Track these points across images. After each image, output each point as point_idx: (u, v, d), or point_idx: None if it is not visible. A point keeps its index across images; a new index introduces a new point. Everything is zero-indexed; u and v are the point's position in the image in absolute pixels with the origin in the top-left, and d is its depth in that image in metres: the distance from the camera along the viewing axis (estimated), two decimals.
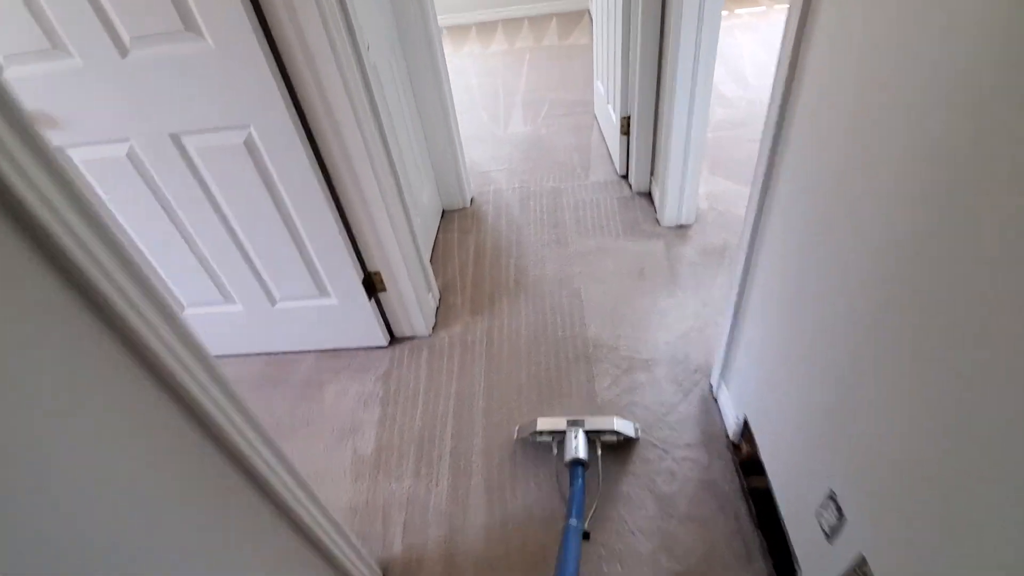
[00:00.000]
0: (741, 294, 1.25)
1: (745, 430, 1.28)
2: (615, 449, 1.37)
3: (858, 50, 0.69)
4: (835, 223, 0.79)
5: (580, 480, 1.24)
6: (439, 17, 5.21)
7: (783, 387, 1.05)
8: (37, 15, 1.09)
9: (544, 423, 1.36)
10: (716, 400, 1.47)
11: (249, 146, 1.28)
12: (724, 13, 4.17)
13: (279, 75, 1.19)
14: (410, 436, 1.49)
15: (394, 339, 1.79)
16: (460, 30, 4.82)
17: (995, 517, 0.51)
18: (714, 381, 1.48)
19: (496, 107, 3.24)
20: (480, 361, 1.66)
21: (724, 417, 1.41)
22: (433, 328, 1.81)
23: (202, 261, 1.54)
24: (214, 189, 1.37)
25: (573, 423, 1.34)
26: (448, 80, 2.06)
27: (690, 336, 1.65)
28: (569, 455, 1.27)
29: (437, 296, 1.89)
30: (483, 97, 3.40)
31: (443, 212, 2.36)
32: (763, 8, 4.18)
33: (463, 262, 2.07)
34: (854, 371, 0.76)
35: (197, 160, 1.31)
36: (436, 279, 2.01)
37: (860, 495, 0.77)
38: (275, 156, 1.29)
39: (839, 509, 0.82)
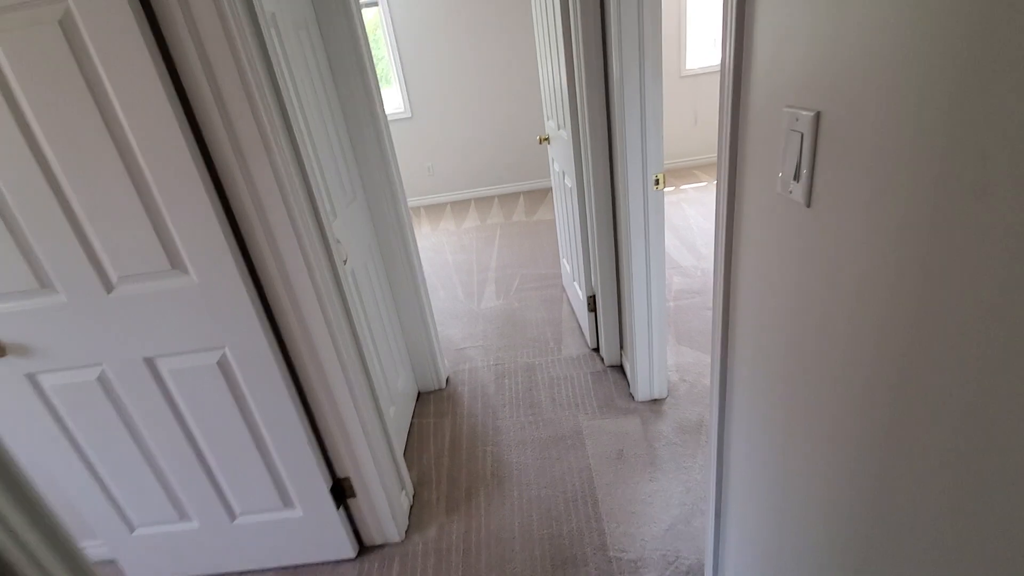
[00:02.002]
0: (719, 486, 1.22)
1: None
2: None
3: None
4: (797, 388, 0.81)
5: None
6: (418, 198, 5.72)
7: None
8: (29, 258, 1.17)
9: None
10: None
11: (223, 366, 1.30)
12: (670, 189, 4.71)
13: (257, 299, 1.26)
14: None
15: (363, 548, 1.65)
16: (436, 208, 5.29)
17: None
18: None
19: (471, 282, 3.43)
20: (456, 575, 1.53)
21: None
22: (407, 531, 1.69)
23: (161, 479, 1.46)
24: (183, 408, 1.36)
25: None
26: (423, 274, 2.20)
27: (677, 529, 1.56)
28: None
29: (411, 493, 1.80)
30: (459, 273, 3.61)
31: (418, 394, 2.35)
32: (705, 183, 4.74)
33: (439, 451, 2.01)
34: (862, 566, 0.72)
35: (169, 381, 1.32)
36: (411, 471, 1.93)
37: None
38: (248, 374, 1.31)
39: None
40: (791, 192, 0.69)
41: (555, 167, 2.69)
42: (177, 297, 1.21)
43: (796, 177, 0.67)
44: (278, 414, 1.37)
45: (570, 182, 2.28)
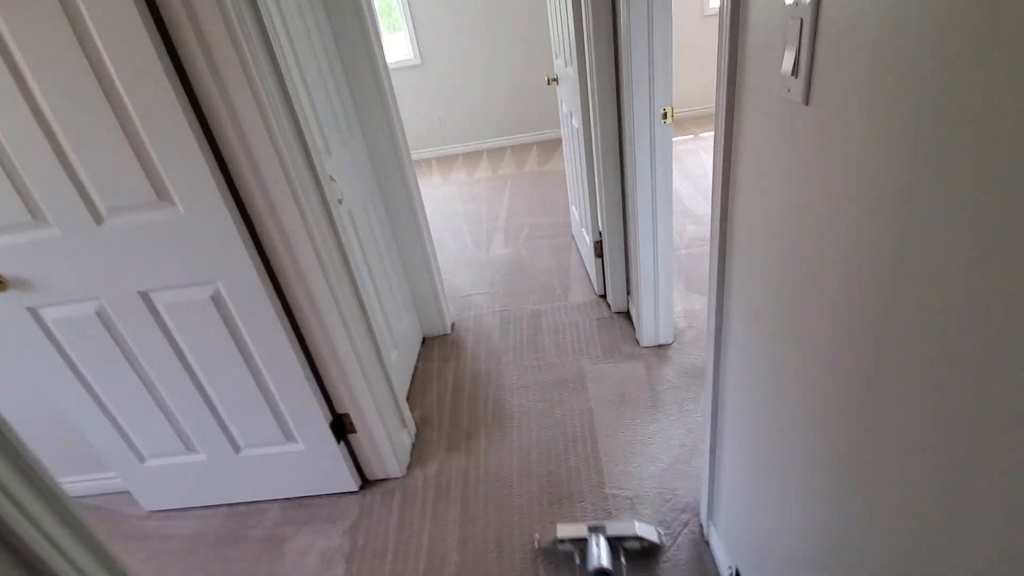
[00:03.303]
0: (715, 424, 1.20)
1: None
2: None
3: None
4: (789, 329, 0.77)
5: None
6: (429, 149, 5.61)
7: (772, 531, 0.96)
8: (20, 191, 1.16)
9: (564, 530, 1.36)
10: (708, 543, 1.35)
11: (216, 300, 1.30)
12: (689, 136, 4.53)
13: (247, 233, 1.24)
14: None
15: (366, 482, 1.69)
16: (448, 160, 5.19)
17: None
18: (704, 521, 1.38)
19: (480, 231, 3.39)
20: (455, 508, 1.56)
21: (717, 565, 1.29)
22: (408, 467, 1.72)
23: (166, 411, 1.50)
24: (181, 342, 1.37)
25: (594, 529, 1.35)
26: (426, 219, 2.17)
27: (676, 468, 1.56)
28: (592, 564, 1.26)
29: (413, 432, 1.83)
30: (468, 222, 3.57)
31: (424, 339, 2.36)
32: None
33: (441, 393, 2.02)
34: (845, 515, 0.70)
35: (165, 315, 1.33)
36: (414, 411, 1.95)
37: None
38: (242, 309, 1.31)
39: None
40: (789, 91, 0.62)
41: (563, 108, 2.58)
42: (166, 229, 1.20)
43: (795, 73, 0.60)
44: (274, 349, 1.37)
45: (577, 122, 2.19)
